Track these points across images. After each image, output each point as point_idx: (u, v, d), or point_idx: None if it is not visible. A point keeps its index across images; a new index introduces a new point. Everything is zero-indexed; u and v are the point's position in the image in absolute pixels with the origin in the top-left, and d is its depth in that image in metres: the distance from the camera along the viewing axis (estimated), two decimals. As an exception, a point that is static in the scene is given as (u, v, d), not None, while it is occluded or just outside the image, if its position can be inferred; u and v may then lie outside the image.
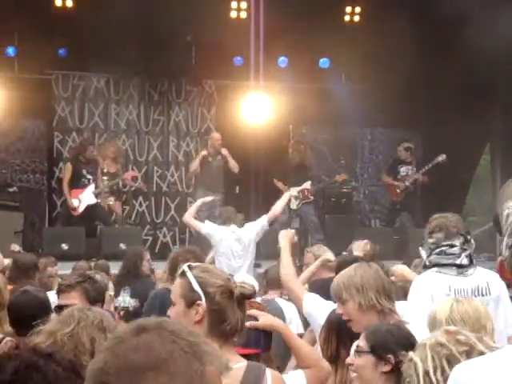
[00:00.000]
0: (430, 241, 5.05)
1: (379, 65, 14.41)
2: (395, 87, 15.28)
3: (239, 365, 3.10)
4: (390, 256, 11.38)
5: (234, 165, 13.59)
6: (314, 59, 15.35)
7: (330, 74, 15.48)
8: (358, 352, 3.52)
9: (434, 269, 4.98)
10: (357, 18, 15.22)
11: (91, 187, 13.51)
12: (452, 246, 4.99)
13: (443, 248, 5.00)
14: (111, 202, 14.01)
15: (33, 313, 4.37)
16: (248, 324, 3.38)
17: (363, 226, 15.75)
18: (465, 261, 4.92)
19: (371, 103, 14.52)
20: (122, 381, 1.56)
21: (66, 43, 14.43)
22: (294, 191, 13.86)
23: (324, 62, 15.48)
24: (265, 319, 3.54)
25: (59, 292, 4.65)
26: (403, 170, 14.78)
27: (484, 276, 4.98)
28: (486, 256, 11.94)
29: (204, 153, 13.82)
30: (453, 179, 14.99)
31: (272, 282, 7.55)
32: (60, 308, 4.14)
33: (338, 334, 4.24)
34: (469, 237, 5.06)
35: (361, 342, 3.53)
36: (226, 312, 3.08)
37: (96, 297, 4.59)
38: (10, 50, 14.27)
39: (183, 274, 3.18)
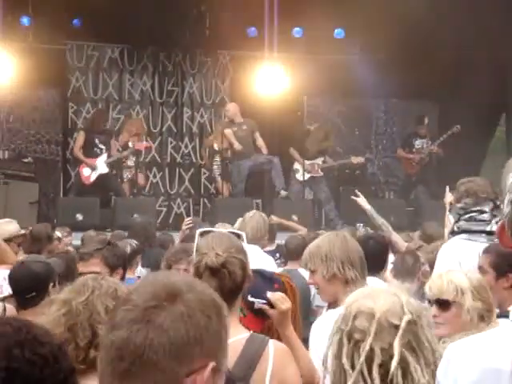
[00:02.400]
0: (459, 205, 4.90)
1: (394, 35, 14.29)
2: (410, 58, 15.18)
3: (241, 336, 3.11)
4: (405, 228, 11.34)
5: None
6: (329, 29, 15.24)
7: (345, 44, 15.38)
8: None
9: (463, 235, 4.83)
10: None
11: (103, 156, 13.56)
12: (482, 211, 4.84)
13: (472, 214, 4.84)
14: (138, 177, 14.04)
15: (27, 286, 4.38)
16: (258, 305, 3.43)
17: (377, 198, 15.70)
18: (495, 228, 4.71)
19: (386, 74, 14.42)
20: (169, 358, 1.48)
21: (81, 13, 14.38)
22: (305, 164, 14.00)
23: (339, 33, 15.38)
24: (275, 313, 3.49)
25: (80, 260, 4.69)
26: (418, 143, 14.74)
27: None
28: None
29: (226, 120, 13.83)
30: (468, 151, 14.91)
31: (291, 252, 7.56)
32: (82, 275, 4.18)
33: None
34: (498, 202, 4.87)
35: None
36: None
37: (116, 262, 4.63)
38: (25, 20, 14.25)
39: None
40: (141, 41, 14.91)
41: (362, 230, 10.03)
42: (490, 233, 4.78)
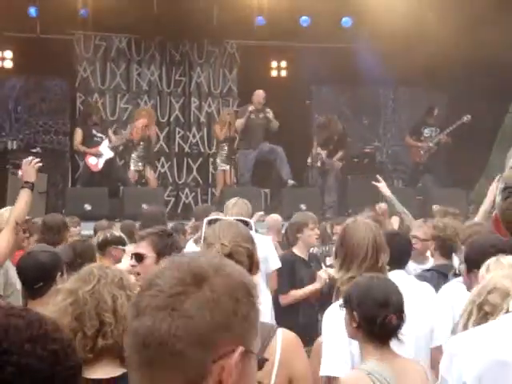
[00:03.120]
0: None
1: (402, 24, 14.24)
2: (418, 47, 15.12)
3: None
4: (413, 216, 11.29)
5: (275, 123, 13.77)
6: (336, 18, 15.17)
7: (353, 32, 15.32)
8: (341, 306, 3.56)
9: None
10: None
11: (105, 142, 13.62)
12: None
13: None
14: (146, 169, 14.03)
15: (33, 276, 4.39)
16: None
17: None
18: None
19: (394, 62, 14.37)
20: (195, 346, 1.45)
21: (88, 3, 14.36)
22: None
23: (346, 21, 15.30)
24: None
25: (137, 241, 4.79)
26: (427, 131, 14.68)
27: None
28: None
29: (251, 108, 13.83)
30: (477, 140, 14.86)
31: None
32: (135, 255, 4.25)
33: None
34: None
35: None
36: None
37: (163, 249, 4.67)
38: (32, 11, 14.23)
39: None
40: (148, 31, 14.89)
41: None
42: None
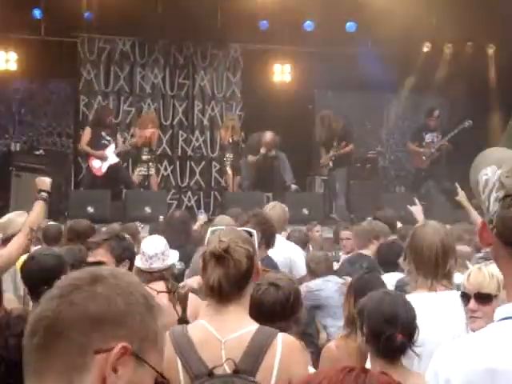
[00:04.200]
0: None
1: (406, 28, 14.26)
2: (421, 52, 15.17)
3: (249, 328, 3.11)
4: (415, 222, 11.28)
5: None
6: (341, 23, 15.17)
7: (357, 38, 15.33)
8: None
9: None
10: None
11: (112, 147, 13.61)
12: None
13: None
14: (152, 173, 14.03)
15: (37, 279, 4.39)
16: None
17: (388, 192, 15.69)
18: None
19: (397, 68, 14.39)
20: (77, 331, 1.51)
21: (92, 6, 14.38)
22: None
23: (350, 26, 15.31)
24: None
25: (87, 250, 4.72)
26: (428, 136, 14.64)
27: None
28: None
29: (263, 150, 13.88)
30: (479, 144, 14.84)
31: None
32: (89, 265, 4.22)
33: (356, 299, 4.25)
34: None
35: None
36: (206, 272, 3.18)
37: (122, 254, 4.66)
38: (37, 13, 14.26)
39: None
40: (152, 34, 14.91)
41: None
42: None
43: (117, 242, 4.67)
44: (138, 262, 5.00)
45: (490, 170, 1.91)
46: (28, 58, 14.13)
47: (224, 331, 3.08)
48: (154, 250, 5.12)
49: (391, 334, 3.43)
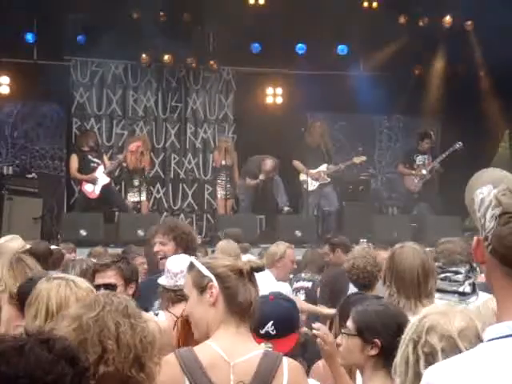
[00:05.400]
0: (436, 264, 5.00)
1: (397, 51, 14.38)
2: (413, 74, 15.27)
3: (254, 353, 3.13)
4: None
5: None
6: (333, 46, 15.26)
7: (348, 60, 15.42)
8: (346, 334, 3.48)
9: (437, 294, 4.93)
10: (375, 5, 15.10)
11: (100, 168, 13.63)
12: (457, 272, 4.92)
13: (448, 274, 4.92)
14: (143, 199, 14.05)
15: None
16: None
17: (381, 214, 15.72)
18: (467, 289, 4.84)
19: (389, 90, 14.47)
20: None
21: (85, 30, 14.44)
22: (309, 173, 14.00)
23: (342, 49, 15.39)
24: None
25: (95, 272, 4.72)
26: (419, 159, 14.66)
27: None
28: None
29: (261, 176, 13.95)
30: (471, 166, 14.89)
31: None
32: (98, 287, 4.22)
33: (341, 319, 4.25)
34: (474, 264, 4.95)
35: (348, 323, 3.49)
36: (239, 289, 3.16)
37: (130, 276, 4.67)
38: (29, 36, 14.30)
39: (191, 265, 3.30)
40: (144, 57, 14.94)
41: (365, 245, 9.98)
42: (462, 293, 4.86)
43: (125, 265, 4.70)
44: (163, 280, 4.93)
45: (485, 188, 1.94)
46: (21, 82, 14.15)
47: (232, 354, 3.09)
48: (180, 267, 5.08)
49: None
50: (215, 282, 3.17)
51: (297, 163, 14.26)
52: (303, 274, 8.50)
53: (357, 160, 14.57)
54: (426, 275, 4.21)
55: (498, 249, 1.86)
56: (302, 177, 14.22)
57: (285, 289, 6.90)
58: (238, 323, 3.13)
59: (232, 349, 3.11)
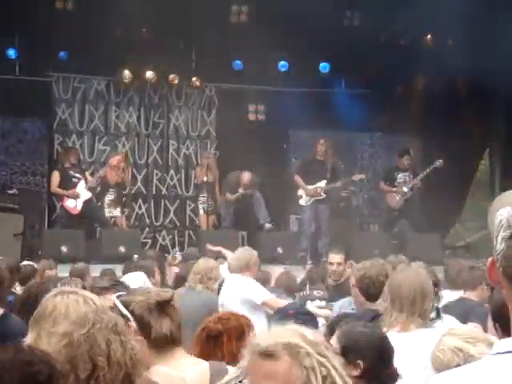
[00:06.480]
0: None
1: (379, 69, 14.47)
2: (394, 92, 15.37)
3: (202, 365, 3.36)
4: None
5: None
6: (315, 63, 15.33)
7: (330, 78, 15.50)
8: None
9: None
10: (356, 23, 15.19)
11: (81, 183, 13.61)
12: None
13: None
14: (118, 214, 14.04)
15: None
16: None
17: (362, 231, 15.77)
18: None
19: (371, 108, 14.55)
20: None
21: (67, 46, 14.42)
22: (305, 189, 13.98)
23: (324, 67, 15.47)
24: None
25: (97, 295, 4.72)
26: (400, 176, 14.68)
27: None
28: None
29: (241, 190, 13.99)
30: (452, 184, 15.00)
31: None
32: None
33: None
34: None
35: (333, 342, 3.50)
36: (150, 323, 3.30)
37: None
38: (11, 52, 14.26)
39: (114, 305, 3.45)
40: (127, 73, 14.94)
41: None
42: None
43: (123, 288, 4.73)
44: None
45: (504, 210, 1.96)
46: (2, 97, 14.09)
47: (182, 370, 3.29)
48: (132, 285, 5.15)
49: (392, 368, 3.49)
50: (132, 320, 3.32)
51: (298, 178, 14.19)
52: (315, 293, 8.30)
53: (355, 178, 14.63)
54: (423, 295, 4.29)
55: (508, 270, 1.89)
56: (300, 192, 14.19)
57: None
58: (163, 354, 3.31)
59: (179, 366, 3.31)
